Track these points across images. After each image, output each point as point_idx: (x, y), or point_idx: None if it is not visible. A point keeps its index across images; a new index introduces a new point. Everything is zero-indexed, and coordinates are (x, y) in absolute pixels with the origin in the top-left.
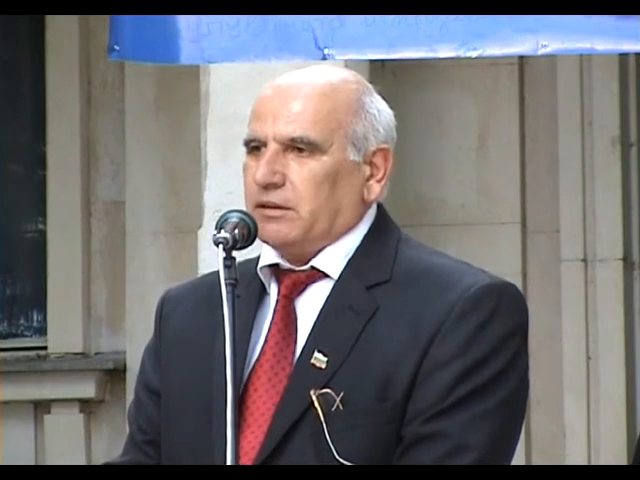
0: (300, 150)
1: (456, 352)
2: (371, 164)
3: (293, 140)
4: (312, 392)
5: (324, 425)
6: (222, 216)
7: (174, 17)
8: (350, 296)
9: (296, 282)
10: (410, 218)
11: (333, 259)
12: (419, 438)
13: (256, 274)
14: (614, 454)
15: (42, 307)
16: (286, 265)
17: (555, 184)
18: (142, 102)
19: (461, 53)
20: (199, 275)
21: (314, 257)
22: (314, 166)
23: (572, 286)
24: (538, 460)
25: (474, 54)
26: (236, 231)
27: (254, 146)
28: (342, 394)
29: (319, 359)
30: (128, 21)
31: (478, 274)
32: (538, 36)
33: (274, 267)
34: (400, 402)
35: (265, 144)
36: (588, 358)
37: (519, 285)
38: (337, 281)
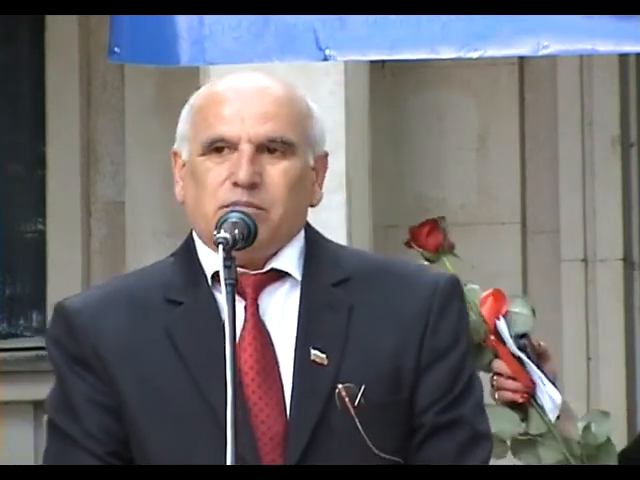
0: (273, 151)
1: (450, 342)
2: (314, 169)
3: (272, 140)
4: (340, 385)
5: (355, 418)
6: (222, 216)
7: (175, 18)
8: (321, 294)
9: (259, 285)
10: (410, 218)
11: (290, 260)
12: (439, 427)
13: (197, 281)
14: None
15: (42, 307)
16: (238, 270)
17: (555, 184)
18: (142, 102)
19: (462, 54)
20: None
21: (270, 259)
22: (288, 167)
23: (572, 286)
24: None
25: (475, 55)
26: (236, 231)
27: (216, 147)
28: (363, 387)
29: (318, 356)
30: (128, 23)
31: (426, 269)
32: (539, 37)
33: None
34: (410, 394)
35: (235, 145)
36: (588, 358)
37: (519, 285)
38: (303, 281)
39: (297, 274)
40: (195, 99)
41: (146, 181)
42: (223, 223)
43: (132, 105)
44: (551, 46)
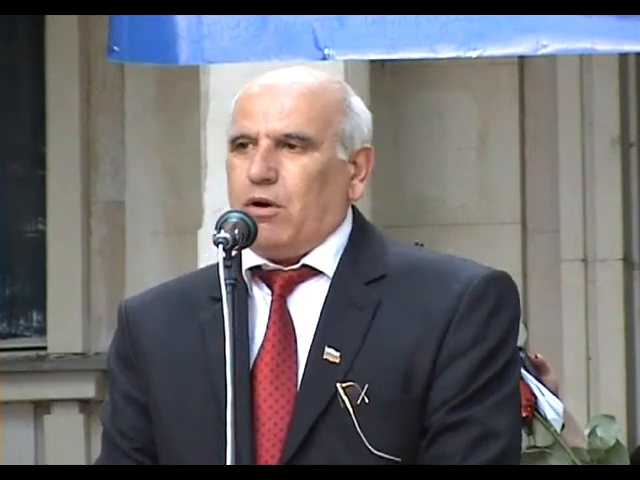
0: (292, 147)
1: (472, 341)
2: (354, 163)
3: (287, 136)
4: (338, 385)
5: (353, 417)
6: (222, 216)
7: (174, 18)
8: (350, 292)
9: (289, 281)
10: (410, 218)
11: (325, 257)
12: (448, 426)
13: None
14: None
15: (42, 307)
16: (271, 266)
17: (555, 184)
18: (142, 102)
19: (461, 53)
20: None
21: (304, 256)
22: (307, 163)
23: (572, 286)
24: None
25: (474, 54)
26: (236, 231)
27: (240, 143)
28: (367, 387)
29: (331, 354)
30: (127, 22)
31: (473, 266)
32: (538, 36)
33: (255, 268)
34: (423, 393)
35: (256, 141)
36: (588, 358)
37: (519, 285)
38: (333, 278)
39: (330, 271)
40: (238, 95)
41: (146, 181)
42: (223, 223)
43: (132, 105)
44: (551, 46)
